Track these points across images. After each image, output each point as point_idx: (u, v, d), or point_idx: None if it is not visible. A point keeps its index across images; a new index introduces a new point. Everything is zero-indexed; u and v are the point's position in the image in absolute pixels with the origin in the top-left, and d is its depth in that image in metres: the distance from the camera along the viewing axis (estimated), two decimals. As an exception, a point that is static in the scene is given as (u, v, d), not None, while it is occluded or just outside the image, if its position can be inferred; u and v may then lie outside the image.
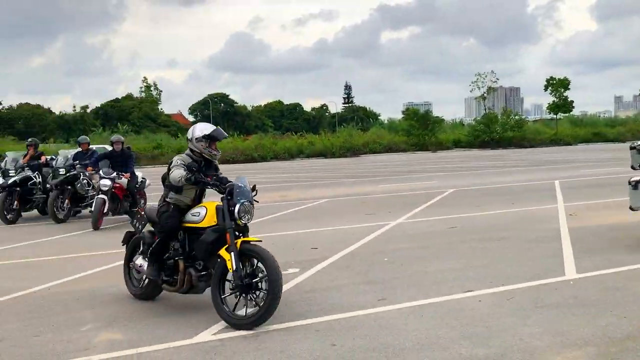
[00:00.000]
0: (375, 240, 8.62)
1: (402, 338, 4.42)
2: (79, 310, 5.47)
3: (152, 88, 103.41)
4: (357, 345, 4.29)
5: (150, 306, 5.51)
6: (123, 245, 6.14)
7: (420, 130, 47.28)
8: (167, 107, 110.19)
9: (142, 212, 5.97)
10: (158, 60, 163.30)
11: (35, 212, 13.03)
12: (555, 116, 55.81)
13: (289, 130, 77.56)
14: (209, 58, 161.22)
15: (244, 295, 4.77)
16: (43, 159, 12.89)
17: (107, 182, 10.82)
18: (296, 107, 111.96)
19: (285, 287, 5.97)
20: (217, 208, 5.16)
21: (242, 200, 5.07)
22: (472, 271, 6.43)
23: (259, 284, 4.79)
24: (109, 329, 4.87)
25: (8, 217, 11.86)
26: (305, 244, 8.39)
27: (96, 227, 10.65)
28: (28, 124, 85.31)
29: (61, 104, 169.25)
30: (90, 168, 11.33)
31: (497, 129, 47.97)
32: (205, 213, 5.21)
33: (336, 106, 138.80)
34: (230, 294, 4.86)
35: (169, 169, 5.37)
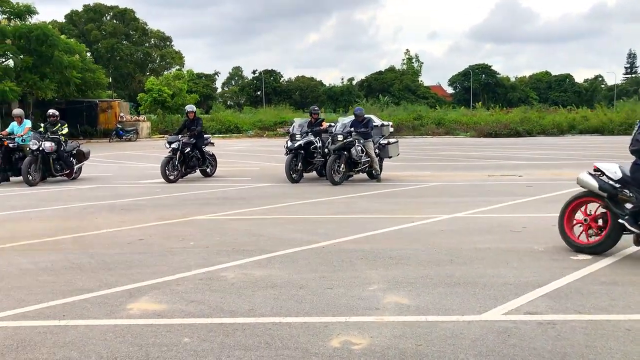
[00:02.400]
0: (685, 232, 7.23)
1: None
2: (363, 269, 5.69)
3: (413, 60, 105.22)
4: (686, 357, 3.57)
5: (433, 275, 5.45)
6: None
7: None
8: (426, 79, 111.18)
9: None
10: (420, 33, 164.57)
11: (313, 173, 14.24)
12: None
13: (556, 103, 71.48)
14: (470, 28, 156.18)
15: None
16: (324, 125, 13.94)
17: None
18: (566, 78, 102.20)
19: (578, 274, 5.39)
20: None
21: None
22: None
23: None
24: (394, 291, 4.94)
25: (293, 176, 13.17)
26: (594, 229, 7.45)
27: None
28: (303, 94, 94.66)
29: (329, 77, 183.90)
30: None
31: None
32: None
33: (615, 77, 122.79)
34: None
35: None
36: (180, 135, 13.90)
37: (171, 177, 13.41)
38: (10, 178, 13.64)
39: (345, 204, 10.10)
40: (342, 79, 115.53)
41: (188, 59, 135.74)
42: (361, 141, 12.78)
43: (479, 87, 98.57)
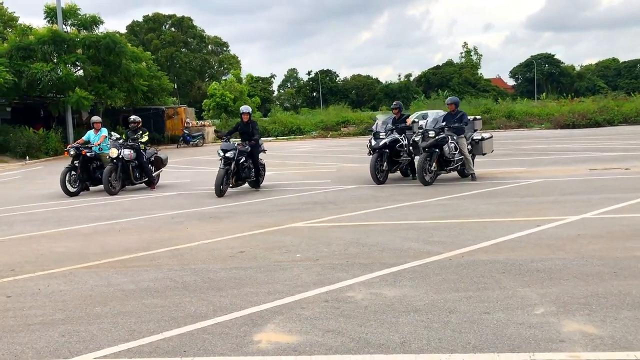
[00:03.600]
0: None
1: None
2: (513, 286, 4.82)
3: (472, 53, 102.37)
4: None
5: (603, 292, 4.51)
6: None
7: None
8: (484, 71, 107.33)
9: None
10: (474, 25, 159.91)
11: (397, 173, 13.36)
12: None
13: (628, 91, 67.60)
14: (527, 18, 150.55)
15: None
16: (408, 121, 13.06)
17: None
18: (637, 64, 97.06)
19: None
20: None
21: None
22: None
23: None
24: (570, 316, 4.05)
25: (379, 177, 12.34)
26: None
27: None
28: (359, 93, 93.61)
29: (383, 75, 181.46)
30: None
31: None
32: None
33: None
34: None
35: None
36: (236, 143, 12.04)
37: (222, 189, 11.38)
38: (89, 187, 13.47)
39: (448, 206, 9.19)
40: (399, 75, 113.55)
41: (243, 64, 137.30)
42: (454, 137, 11.82)
43: (542, 78, 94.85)
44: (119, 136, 14.09)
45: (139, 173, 13.27)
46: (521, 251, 5.97)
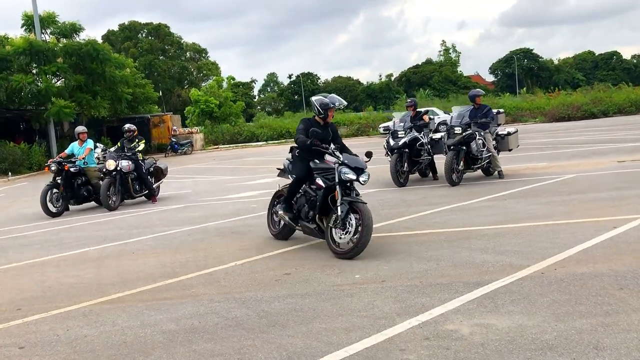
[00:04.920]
0: None
1: None
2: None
3: (450, 51, 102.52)
4: None
5: None
6: None
7: None
8: (462, 69, 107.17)
9: None
10: (448, 23, 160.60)
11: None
12: None
13: (604, 82, 68.01)
14: (500, 15, 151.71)
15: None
16: (425, 118, 12.23)
17: None
18: (613, 55, 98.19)
19: None
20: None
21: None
22: None
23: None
24: None
25: (400, 179, 11.50)
26: None
27: None
28: (340, 95, 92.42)
29: (361, 76, 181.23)
30: None
31: None
32: None
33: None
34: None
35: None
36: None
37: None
38: (71, 207, 12.08)
39: (494, 208, 8.35)
40: (380, 75, 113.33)
41: (222, 70, 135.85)
42: (481, 133, 11.02)
43: (522, 73, 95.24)
44: (104, 147, 13.02)
45: (138, 185, 12.21)
46: (620, 259, 5.14)
